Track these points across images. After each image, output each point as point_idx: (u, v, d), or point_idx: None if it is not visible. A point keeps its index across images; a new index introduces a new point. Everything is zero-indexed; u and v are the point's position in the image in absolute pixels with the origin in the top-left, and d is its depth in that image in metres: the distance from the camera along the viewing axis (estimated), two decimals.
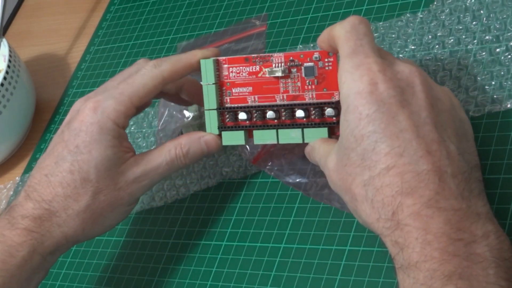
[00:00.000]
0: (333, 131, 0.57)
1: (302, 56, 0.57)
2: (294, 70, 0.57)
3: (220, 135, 0.60)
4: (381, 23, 0.67)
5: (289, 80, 0.58)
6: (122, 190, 0.59)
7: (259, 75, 0.59)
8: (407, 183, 0.46)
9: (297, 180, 0.62)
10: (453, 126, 0.49)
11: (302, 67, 0.57)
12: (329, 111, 0.56)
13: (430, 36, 0.63)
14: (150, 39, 0.84)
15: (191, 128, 0.69)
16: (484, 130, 0.56)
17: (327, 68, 0.56)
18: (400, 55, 0.63)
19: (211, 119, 0.60)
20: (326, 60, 0.56)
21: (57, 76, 0.90)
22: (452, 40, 0.62)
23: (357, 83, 0.49)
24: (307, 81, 0.57)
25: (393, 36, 0.65)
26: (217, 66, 0.60)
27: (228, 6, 0.80)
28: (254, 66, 0.59)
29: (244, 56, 0.59)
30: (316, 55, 0.56)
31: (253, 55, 0.59)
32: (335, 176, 0.51)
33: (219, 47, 0.76)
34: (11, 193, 0.81)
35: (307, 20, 0.72)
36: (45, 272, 0.60)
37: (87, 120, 0.58)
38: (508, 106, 0.56)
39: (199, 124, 0.69)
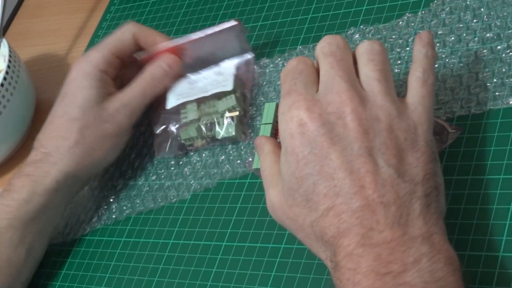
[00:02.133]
0: None
1: None
2: None
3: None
4: (382, 25, 0.66)
5: None
6: (107, 122, 0.68)
7: None
8: (344, 223, 0.47)
9: None
10: (394, 142, 0.48)
11: None
12: None
13: None
14: None
15: (190, 129, 0.69)
16: (484, 130, 0.55)
17: None
18: (402, 54, 0.63)
19: None
20: None
21: (57, 76, 0.90)
22: (453, 39, 0.62)
23: (289, 125, 0.50)
24: None
25: (394, 37, 0.65)
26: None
27: (228, 6, 0.80)
28: None
29: None
30: None
31: None
32: (281, 214, 0.52)
33: (196, 43, 0.73)
34: None
35: (307, 20, 0.72)
36: (57, 210, 0.68)
37: (73, 71, 0.70)
38: (510, 103, 0.56)
39: (197, 125, 0.69)
